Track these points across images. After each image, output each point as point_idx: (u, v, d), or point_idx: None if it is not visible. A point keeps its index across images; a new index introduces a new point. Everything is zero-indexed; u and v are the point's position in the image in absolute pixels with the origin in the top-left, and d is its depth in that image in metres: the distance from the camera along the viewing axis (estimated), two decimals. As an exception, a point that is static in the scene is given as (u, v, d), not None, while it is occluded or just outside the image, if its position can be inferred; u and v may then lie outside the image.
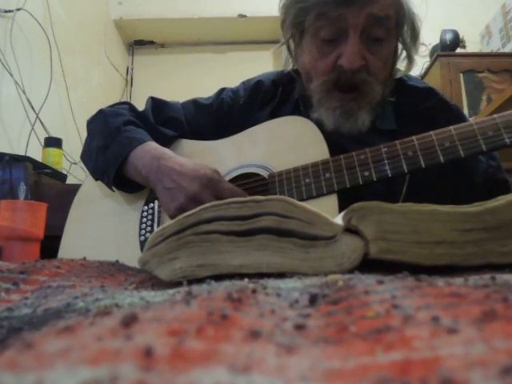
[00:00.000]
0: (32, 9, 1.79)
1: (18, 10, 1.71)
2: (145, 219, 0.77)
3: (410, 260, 0.29)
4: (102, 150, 0.77)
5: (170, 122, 0.84)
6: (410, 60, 0.76)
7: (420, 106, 0.76)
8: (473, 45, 2.60)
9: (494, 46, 2.40)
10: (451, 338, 0.12)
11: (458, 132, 0.62)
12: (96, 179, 0.82)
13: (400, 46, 0.75)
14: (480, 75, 2.15)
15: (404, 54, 0.76)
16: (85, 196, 0.85)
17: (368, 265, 0.30)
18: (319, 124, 0.72)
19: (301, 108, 0.80)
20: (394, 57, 0.75)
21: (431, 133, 0.63)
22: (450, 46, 2.32)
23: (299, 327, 0.16)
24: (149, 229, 0.76)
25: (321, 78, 0.70)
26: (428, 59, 2.49)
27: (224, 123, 0.83)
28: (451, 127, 0.63)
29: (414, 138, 0.64)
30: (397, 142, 0.65)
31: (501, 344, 0.11)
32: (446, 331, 0.13)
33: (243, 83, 0.88)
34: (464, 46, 2.60)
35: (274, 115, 0.79)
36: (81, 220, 0.83)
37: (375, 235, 0.29)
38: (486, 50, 2.47)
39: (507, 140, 0.59)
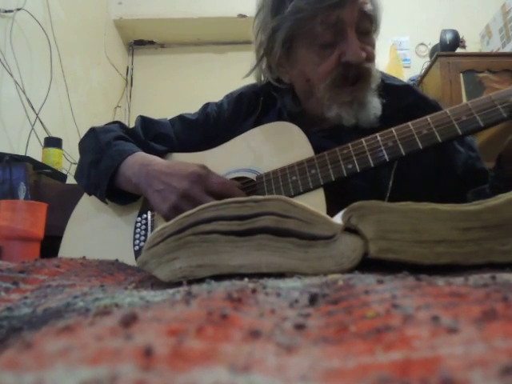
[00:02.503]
0: (32, 9, 1.79)
1: (18, 10, 1.71)
2: (138, 229, 0.78)
3: (410, 259, 0.29)
4: (93, 164, 0.79)
5: (159, 137, 0.86)
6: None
7: (400, 104, 0.78)
8: (473, 45, 2.61)
9: (494, 46, 2.40)
10: (451, 338, 0.12)
11: (434, 120, 0.65)
12: (89, 194, 0.84)
13: None
14: (480, 75, 2.15)
15: None
16: (79, 215, 0.87)
17: (368, 264, 0.30)
18: (338, 120, 0.74)
19: (284, 115, 0.82)
20: None
21: (409, 123, 0.67)
22: (450, 45, 2.33)
23: (299, 327, 0.16)
24: (143, 238, 0.77)
25: (328, 77, 0.72)
26: (428, 59, 2.49)
27: (211, 136, 0.85)
28: (427, 116, 0.66)
29: (392, 129, 0.67)
30: (377, 134, 0.68)
31: (501, 344, 0.11)
32: (446, 331, 0.13)
33: (226, 97, 0.90)
34: (464, 46, 2.60)
35: (258, 125, 0.81)
36: (76, 238, 0.84)
37: (375, 234, 0.29)
38: (486, 50, 2.47)
39: (481, 123, 0.62)
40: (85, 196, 0.87)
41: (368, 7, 0.71)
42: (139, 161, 0.74)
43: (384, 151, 0.66)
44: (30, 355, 0.11)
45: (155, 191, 0.70)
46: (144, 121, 0.89)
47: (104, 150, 0.78)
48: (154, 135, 0.86)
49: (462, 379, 0.10)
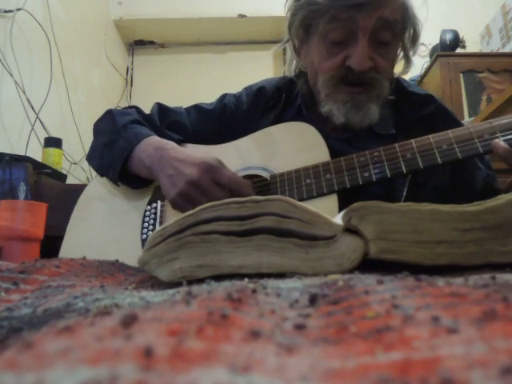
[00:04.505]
0: (32, 9, 1.79)
1: (18, 10, 1.71)
2: (147, 218, 0.78)
3: (410, 260, 0.29)
4: (108, 146, 0.79)
5: (174, 126, 0.86)
6: (408, 61, 0.78)
7: (420, 113, 0.78)
8: (473, 45, 2.60)
9: (494, 45, 2.40)
10: (451, 338, 0.12)
11: (455, 135, 0.64)
12: (101, 175, 0.83)
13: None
14: (480, 75, 2.15)
15: (401, 54, 0.78)
16: (88, 197, 0.86)
17: (368, 265, 0.30)
18: (329, 119, 0.73)
19: (303, 113, 0.81)
20: (397, 56, 0.76)
21: (429, 136, 0.66)
22: (450, 46, 2.32)
23: (299, 327, 0.16)
24: (151, 227, 0.77)
25: (328, 74, 0.72)
26: (428, 59, 2.49)
27: (227, 128, 0.85)
28: (448, 131, 0.65)
29: (412, 141, 0.66)
30: (396, 144, 0.67)
31: (501, 344, 0.11)
32: (445, 331, 0.13)
33: (245, 89, 0.89)
34: (464, 46, 2.60)
35: (276, 121, 0.80)
36: (83, 220, 0.83)
37: (375, 235, 0.29)
38: (486, 50, 2.47)
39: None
40: (95, 179, 0.87)
41: (392, 18, 0.67)
42: (154, 144, 0.74)
43: (402, 162, 0.65)
44: (30, 355, 0.11)
45: (166, 175, 0.70)
46: (160, 108, 0.88)
47: (120, 132, 0.78)
48: (170, 123, 0.86)
49: (462, 379, 0.10)
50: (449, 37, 2.34)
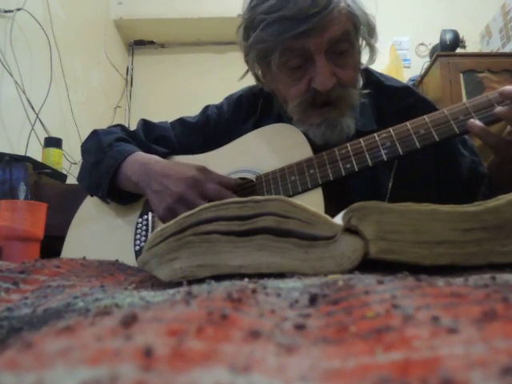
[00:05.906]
0: (32, 9, 1.79)
1: (18, 10, 1.71)
2: (139, 230, 0.80)
3: (410, 260, 0.29)
4: (95, 165, 0.81)
5: (160, 140, 0.88)
6: (372, 49, 0.77)
7: (399, 105, 0.78)
8: (473, 45, 2.61)
9: (494, 45, 2.40)
10: (451, 338, 0.12)
11: (432, 119, 0.66)
12: (91, 195, 0.85)
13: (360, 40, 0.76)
14: (480, 75, 2.15)
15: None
16: (81, 217, 0.88)
17: (368, 265, 0.30)
18: (307, 137, 0.74)
19: (284, 117, 0.81)
20: (359, 55, 0.76)
21: (407, 123, 0.67)
22: (450, 46, 2.33)
23: (299, 327, 0.16)
24: (143, 239, 0.78)
25: (296, 100, 0.72)
26: (428, 59, 2.49)
27: (211, 139, 0.86)
28: (425, 116, 0.66)
29: (390, 129, 0.68)
30: (375, 134, 0.68)
31: (501, 344, 0.11)
32: (445, 331, 0.13)
33: (226, 99, 0.91)
34: (464, 46, 2.60)
35: (257, 127, 0.81)
36: (78, 239, 0.85)
37: (375, 235, 0.29)
38: (486, 50, 2.48)
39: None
40: (87, 199, 0.89)
41: (342, 32, 0.67)
42: (139, 160, 0.76)
43: (382, 151, 0.66)
44: (30, 355, 0.11)
45: (153, 191, 0.71)
46: (145, 123, 0.91)
47: (105, 151, 0.80)
48: (155, 138, 0.88)
49: (462, 379, 0.10)
50: (449, 37, 2.34)
